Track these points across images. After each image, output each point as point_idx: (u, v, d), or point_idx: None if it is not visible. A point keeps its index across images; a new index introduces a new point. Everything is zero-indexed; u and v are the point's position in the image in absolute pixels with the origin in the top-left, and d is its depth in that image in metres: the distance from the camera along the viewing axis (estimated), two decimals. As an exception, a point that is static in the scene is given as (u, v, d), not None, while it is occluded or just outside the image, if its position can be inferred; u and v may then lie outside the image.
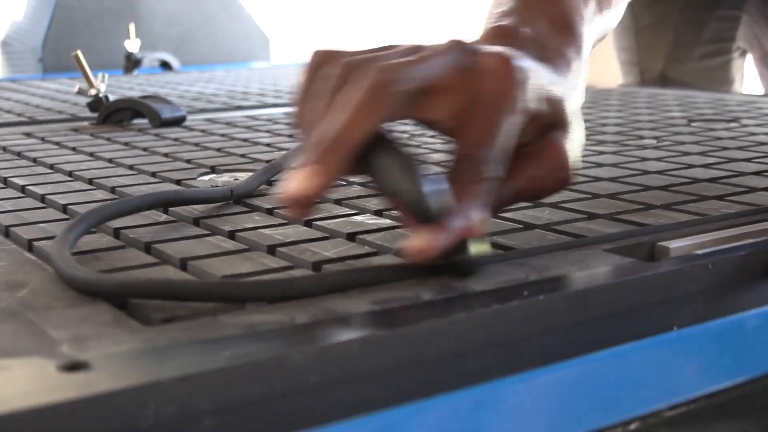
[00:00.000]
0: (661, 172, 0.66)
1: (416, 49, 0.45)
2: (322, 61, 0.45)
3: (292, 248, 0.47)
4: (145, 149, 0.80)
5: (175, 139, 0.85)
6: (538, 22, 0.52)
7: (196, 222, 0.53)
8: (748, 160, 0.71)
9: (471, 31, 0.53)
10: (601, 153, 0.75)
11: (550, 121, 0.47)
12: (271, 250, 0.47)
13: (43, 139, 0.87)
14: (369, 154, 0.42)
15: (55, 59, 2.05)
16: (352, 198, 0.58)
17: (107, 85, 1.02)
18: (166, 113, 0.95)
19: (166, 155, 0.76)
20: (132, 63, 1.86)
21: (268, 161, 0.71)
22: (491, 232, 0.49)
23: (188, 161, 0.73)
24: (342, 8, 3.54)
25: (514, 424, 0.37)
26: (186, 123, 0.96)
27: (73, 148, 0.81)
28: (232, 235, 0.50)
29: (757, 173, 0.66)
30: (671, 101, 1.10)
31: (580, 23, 0.54)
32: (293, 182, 0.41)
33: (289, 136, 0.86)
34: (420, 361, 0.36)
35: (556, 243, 0.48)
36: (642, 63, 1.52)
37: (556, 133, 0.48)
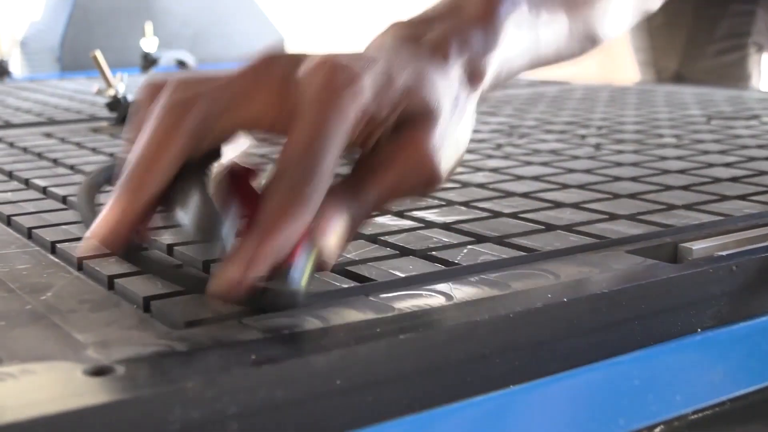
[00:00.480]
0: (681, 172, 0.66)
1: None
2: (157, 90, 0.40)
3: (314, 250, 0.47)
4: (164, 149, 0.80)
5: (194, 139, 0.85)
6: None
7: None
8: (768, 158, 0.71)
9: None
10: (621, 152, 0.75)
11: (409, 113, 0.41)
12: (293, 252, 0.47)
13: (63, 139, 0.87)
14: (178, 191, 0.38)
15: (73, 58, 2.06)
16: (373, 199, 0.58)
17: (125, 84, 1.03)
18: (184, 113, 0.95)
19: (185, 156, 0.76)
20: (149, 62, 1.87)
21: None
22: (511, 234, 0.49)
23: (207, 162, 0.73)
24: (356, 6, 3.54)
25: (537, 429, 0.37)
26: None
27: (93, 149, 0.81)
28: (253, 236, 0.50)
29: (779, 172, 0.66)
30: (689, 99, 1.10)
31: (503, 17, 0.49)
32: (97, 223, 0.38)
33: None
34: (444, 364, 0.36)
35: (578, 244, 0.47)
36: (657, 63, 1.52)
37: (415, 126, 0.42)
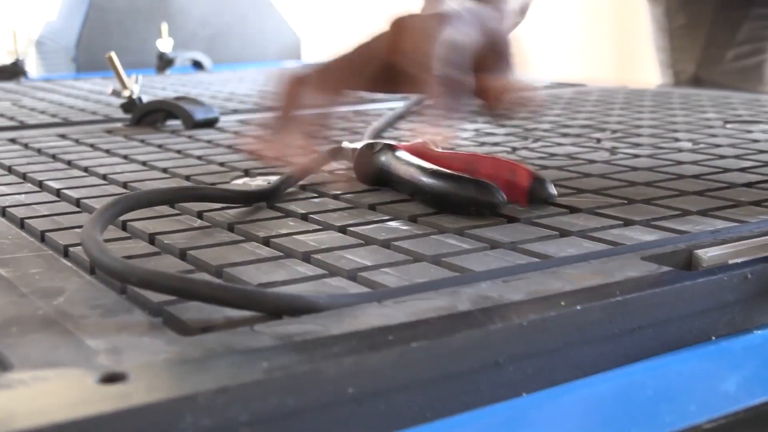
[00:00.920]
0: (697, 176, 0.66)
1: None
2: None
3: (327, 255, 0.47)
4: (178, 152, 0.80)
5: (208, 141, 0.85)
6: None
7: (231, 227, 0.53)
8: (785, 164, 0.70)
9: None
10: (636, 156, 0.74)
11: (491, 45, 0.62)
12: (306, 257, 0.47)
13: (77, 141, 0.87)
14: None
15: (89, 58, 2.06)
16: (387, 203, 0.58)
17: (140, 85, 1.03)
18: (199, 115, 0.96)
19: (199, 158, 0.77)
20: (164, 62, 1.87)
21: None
22: (525, 240, 0.49)
23: (221, 164, 0.74)
24: (372, 6, 3.54)
25: (551, 437, 0.37)
26: (219, 124, 0.97)
27: (107, 151, 0.81)
28: (266, 241, 0.50)
29: (795, 178, 0.65)
30: (706, 102, 1.09)
31: None
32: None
33: (324, 138, 0.85)
34: (457, 372, 0.36)
35: (592, 251, 0.47)
36: (676, 65, 1.51)
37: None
